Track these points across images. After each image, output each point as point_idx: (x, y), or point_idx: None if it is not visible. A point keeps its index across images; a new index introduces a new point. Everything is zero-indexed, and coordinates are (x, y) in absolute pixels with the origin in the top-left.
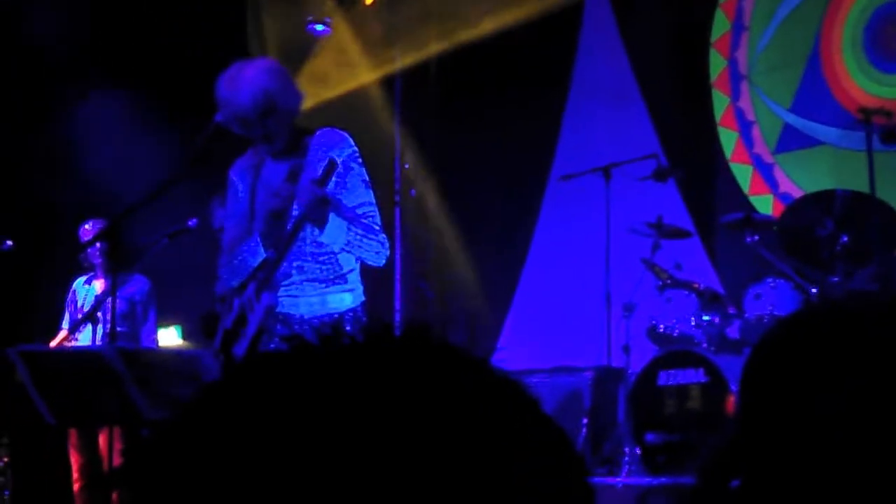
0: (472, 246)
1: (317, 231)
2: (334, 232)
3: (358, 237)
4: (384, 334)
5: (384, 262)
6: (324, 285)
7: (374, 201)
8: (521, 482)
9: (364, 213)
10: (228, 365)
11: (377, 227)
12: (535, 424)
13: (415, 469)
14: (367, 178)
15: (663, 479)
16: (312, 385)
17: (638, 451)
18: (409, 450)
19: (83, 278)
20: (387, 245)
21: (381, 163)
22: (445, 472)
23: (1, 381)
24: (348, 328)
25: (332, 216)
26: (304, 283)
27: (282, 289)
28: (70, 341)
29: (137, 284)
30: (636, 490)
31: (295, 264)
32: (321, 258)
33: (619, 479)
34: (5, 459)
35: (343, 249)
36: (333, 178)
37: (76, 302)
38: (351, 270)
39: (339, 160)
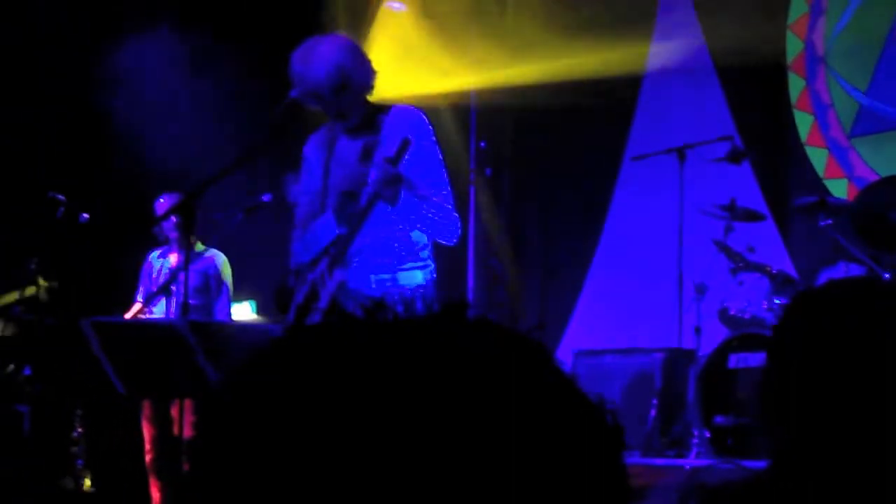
0: (546, 225)
1: (389, 208)
2: (406, 209)
3: (430, 215)
4: (426, 312)
5: (456, 240)
6: (395, 262)
7: (446, 180)
8: (542, 460)
9: (436, 192)
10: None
11: (449, 206)
12: (556, 395)
13: (429, 445)
14: (441, 157)
15: (731, 463)
16: (343, 357)
17: (707, 434)
18: (422, 421)
19: (158, 251)
20: (459, 224)
21: (457, 141)
22: (461, 450)
23: (75, 354)
24: (418, 305)
25: (404, 194)
26: (376, 259)
27: (353, 265)
28: (144, 314)
29: (212, 259)
30: (704, 472)
31: (367, 241)
32: (393, 235)
33: (687, 461)
34: (79, 430)
35: (415, 227)
36: (406, 156)
37: (151, 275)
38: (423, 247)
39: (412, 138)
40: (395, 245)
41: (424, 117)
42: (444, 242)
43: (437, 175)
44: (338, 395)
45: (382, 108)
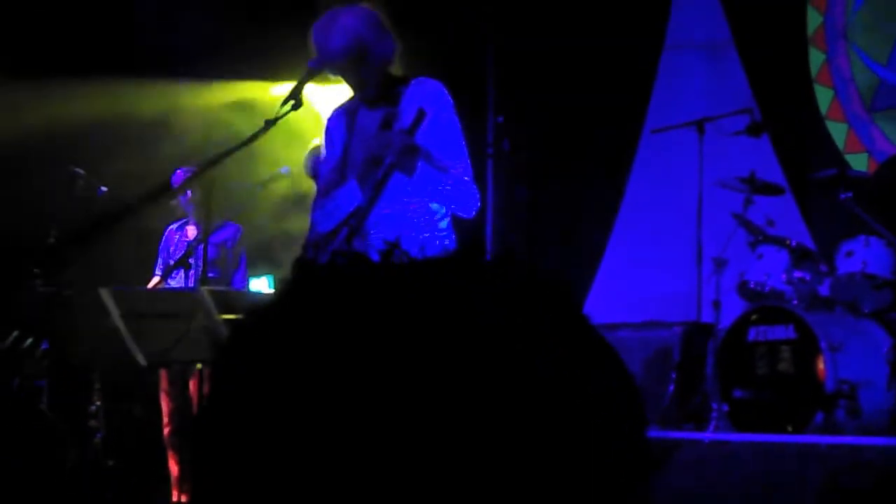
0: (564, 198)
1: (407, 179)
2: (424, 180)
3: (448, 187)
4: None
5: (474, 212)
6: (414, 233)
7: (465, 151)
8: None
9: (455, 163)
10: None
11: (468, 178)
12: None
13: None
14: (460, 129)
15: (750, 436)
16: (359, 299)
17: (725, 407)
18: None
19: (176, 224)
20: (477, 196)
21: (475, 114)
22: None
23: (93, 326)
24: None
25: (421, 165)
26: (395, 230)
27: (372, 236)
28: (163, 286)
29: (229, 231)
30: (723, 445)
31: (385, 212)
32: (411, 206)
33: (706, 435)
34: (97, 403)
35: (433, 198)
36: (425, 127)
37: (169, 248)
38: (442, 218)
39: (430, 109)
40: (414, 216)
41: (444, 89)
42: (462, 215)
43: (455, 146)
44: (354, 345)
45: (402, 80)
